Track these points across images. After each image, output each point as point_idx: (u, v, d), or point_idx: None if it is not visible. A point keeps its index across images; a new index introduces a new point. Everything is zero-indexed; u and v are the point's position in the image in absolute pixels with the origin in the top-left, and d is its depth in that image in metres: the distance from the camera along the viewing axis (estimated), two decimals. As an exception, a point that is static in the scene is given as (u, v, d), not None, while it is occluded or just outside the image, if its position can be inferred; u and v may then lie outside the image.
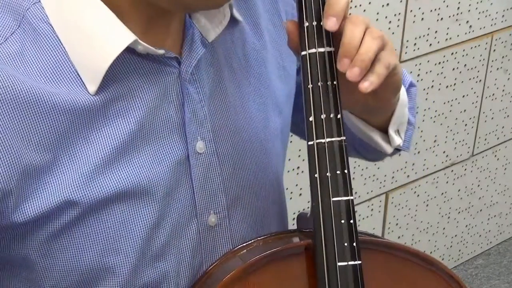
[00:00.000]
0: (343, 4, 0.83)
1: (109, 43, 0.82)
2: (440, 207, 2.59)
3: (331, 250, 0.84)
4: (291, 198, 2.11)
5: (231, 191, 0.96)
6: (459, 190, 2.62)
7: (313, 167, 0.84)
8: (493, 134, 2.63)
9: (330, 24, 0.83)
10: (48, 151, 0.81)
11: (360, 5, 2.06)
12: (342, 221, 0.84)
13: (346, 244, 0.84)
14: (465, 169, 2.60)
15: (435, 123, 2.42)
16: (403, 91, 1.01)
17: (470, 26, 2.36)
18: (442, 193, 2.58)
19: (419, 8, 2.19)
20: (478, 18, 2.36)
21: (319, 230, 0.84)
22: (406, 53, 2.23)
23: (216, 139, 0.93)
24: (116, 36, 0.82)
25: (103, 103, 0.84)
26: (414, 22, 2.20)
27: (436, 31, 2.27)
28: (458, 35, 2.34)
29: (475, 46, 2.40)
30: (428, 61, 2.30)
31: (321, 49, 0.84)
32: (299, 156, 2.06)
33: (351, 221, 0.84)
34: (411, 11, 2.18)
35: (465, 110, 2.49)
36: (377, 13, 2.11)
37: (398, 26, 2.17)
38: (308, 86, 0.84)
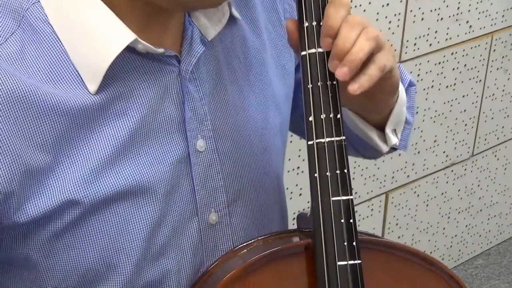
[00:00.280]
0: (339, 23, 0.83)
1: (109, 42, 0.82)
2: (440, 207, 2.59)
3: (331, 249, 0.84)
4: (291, 198, 2.11)
5: (232, 189, 0.96)
6: (459, 190, 2.62)
7: (313, 166, 0.84)
8: (493, 134, 2.63)
9: (326, 46, 0.83)
10: (49, 151, 0.81)
11: (360, 5, 2.06)
12: (342, 221, 0.84)
13: (345, 243, 0.84)
14: (465, 169, 2.61)
15: (435, 123, 2.42)
16: (402, 90, 1.02)
17: (470, 26, 2.36)
18: (442, 193, 2.58)
19: (419, 8, 2.19)
20: (478, 18, 2.36)
21: (319, 229, 0.84)
22: (406, 53, 2.23)
23: (217, 137, 0.93)
24: (116, 35, 0.82)
25: (104, 103, 0.84)
26: (414, 22, 2.20)
27: (436, 31, 2.27)
28: (458, 35, 2.34)
29: (475, 46, 2.40)
30: (428, 61, 2.30)
31: (321, 49, 0.84)
32: (299, 156, 2.06)
33: (351, 221, 0.84)
34: (411, 11, 2.18)
35: (465, 110, 2.49)
36: (377, 13, 2.11)
37: (398, 26, 2.17)
38: (308, 86, 0.84)
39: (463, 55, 2.38)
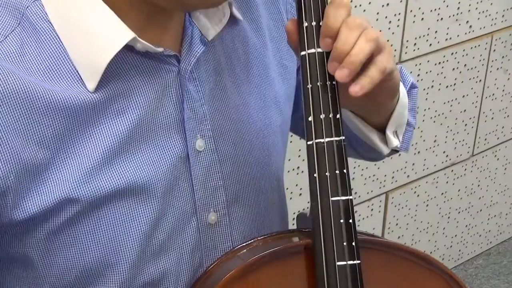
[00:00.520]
0: (339, 24, 0.82)
1: (108, 40, 0.82)
2: (440, 207, 2.59)
3: (330, 249, 0.84)
4: (291, 198, 2.11)
5: (231, 189, 0.96)
6: (459, 190, 2.62)
7: (312, 167, 0.84)
8: (493, 134, 2.63)
9: (326, 47, 0.83)
10: (47, 148, 0.82)
11: (360, 5, 2.06)
12: (341, 221, 0.84)
13: (345, 243, 0.84)
14: (465, 169, 2.61)
15: (435, 123, 2.42)
16: (403, 92, 1.01)
17: (470, 26, 2.36)
18: (442, 193, 2.58)
19: (419, 8, 2.19)
20: (478, 18, 2.36)
21: (318, 229, 0.84)
22: (406, 53, 2.23)
23: (216, 137, 0.93)
24: (115, 34, 0.82)
25: (102, 101, 0.84)
26: (414, 22, 2.20)
27: (436, 31, 2.27)
28: (458, 35, 2.34)
29: (475, 46, 2.40)
30: (428, 61, 2.30)
31: (320, 49, 0.84)
32: (299, 156, 2.06)
33: (350, 221, 0.84)
34: (411, 11, 2.18)
35: (465, 110, 2.49)
36: (377, 13, 2.11)
37: (398, 26, 2.17)
38: (307, 86, 0.84)
39: (463, 55, 2.38)
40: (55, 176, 0.83)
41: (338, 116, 0.85)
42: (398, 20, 2.16)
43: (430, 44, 2.28)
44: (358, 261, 0.84)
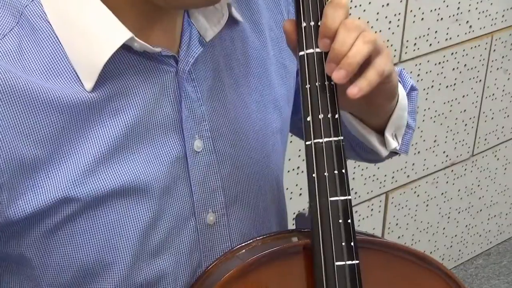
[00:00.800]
0: (337, 24, 0.82)
1: (105, 40, 0.82)
2: (440, 207, 2.59)
3: (329, 249, 0.84)
4: (291, 198, 2.11)
5: (230, 189, 0.96)
6: (459, 190, 2.62)
7: (310, 167, 0.84)
8: (493, 134, 2.63)
9: (324, 47, 0.83)
10: (44, 147, 0.82)
11: (360, 5, 2.06)
12: (340, 221, 0.84)
13: (344, 243, 0.84)
14: (465, 169, 2.61)
15: (435, 123, 2.42)
16: (403, 95, 1.01)
17: (470, 26, 2.36)
18: (442, 193, 2.58)
19: (419, 8, 2.19)
20: (478, 18, 2.36)
21: (316, 229, 0.84)
22: (406, 53, 2.23)
23: (214, 137, 0.93)
24: (113, 34, 0.82)
25: (100, 100, 0.84)
26: (414, 22, 2.20)
27: (436, 31, 2.27)
28: (458, 35, 2.34)
29: (475, 46, 2.40)
30: (428, 61, 2.30)
31: (319, 49, 0.84)
32: (299, 156, 2.06)
33: (349, 221, 0.84)
34: (411, 11, 2.18)
35: (465, 110, 2.49)
36: (377, 13, 2.11)
37: (398, 26, 2.17)
38: (306, 86, 0.84)
39: (463, 55, 2.38)
40: (51, 175, 0.83)
41: (336, 116, 0.84)
42: (398, 20, 2.16)
43: (430, 44, 2.28)
44: (357, 261, 0.84)
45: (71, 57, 0.83)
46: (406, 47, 2.22)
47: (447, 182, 2.57)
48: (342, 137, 0.85)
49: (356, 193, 2.29)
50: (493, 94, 2.55)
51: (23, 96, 0.80)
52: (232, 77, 0.96)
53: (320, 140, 0.84)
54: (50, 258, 0.87)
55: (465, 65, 2.40)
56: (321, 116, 0.84)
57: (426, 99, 2.35)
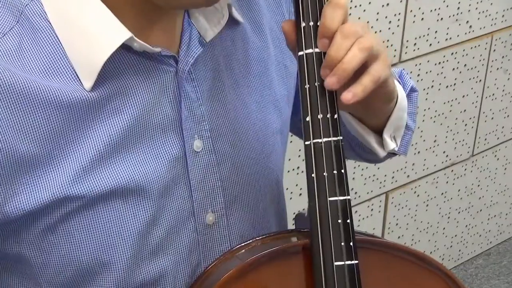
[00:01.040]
0: (336, 24, 0.83)
1: (105, 40, 0.82)
2: (440, 207, 2.59)
3: (328, 249, 0.84)
4: (291, 198, 2.11)
5: (229, 190, 0.96)
6: (459, 190, 2.62)
7: (310, 167, 0.84)
8: (493, 134, 2.63)
9: (323, 47, 0.83)
10: (43, 145, 0.82)
11: (360, 5, 2.06)
12: (339, 221, 0.84)
13: (343, 244, 0.84)
14: (465, 169, 2.61)
15: (435, 123, 2.42)
16: (402, 96, 1.01)
17: (470, 26, 2.36)
18: (442, 193, 2.58)
19: (419, 8, 2.19)
20: (478, 18, 2.36)
21: (316, 229, 0.84)
22: (406, 53, 2.23)
23: (214, 137, 0.93)
24: (112, 33, 0.83)
25: (99, 100, 0.84)
26: (414, 22, 2.20)
27: (436, 31, 2.27)
28: (458, 35, 2.34)
29: (475, 46, 2.41)
30: (428, 61, 2.30)
31: (318, 49, 0.84)
32: (299, 156, 2.06)
33: (348, 221, 0.84)
34: (411, 11, 2.18)
35: (465, 110, 2.49)
36: (377, 13, 2.11)
37: (398, 26, 2.17)
38: (305, 86, 0.84)
39: (463, 55, 2.38)
40: (50, 173, 0.83)
41: (335, 116, 0.84)
42: (398, 20, 2.16)
43: (430, 44, 2.28)
44: (356, 261, 0.84)
45: (71, 56, 0.83)
46: (406, 47, 2.22)
47: (447, 182, 2.57)
48: (341, 137, 0.85)
49: (356, 193, 2.29)
50: (493, 94, 2.55)
51: (22, 95, 0.80)
52: (232, 77, 0.97)
53: (319, 140, 0.84)
54: (49, 256, 0.87)
55: (465, 65, 2.40)
56: (320, 116, 0.84)
57: (426, 99, 2.35)
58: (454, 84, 2.41)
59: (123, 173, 0.86)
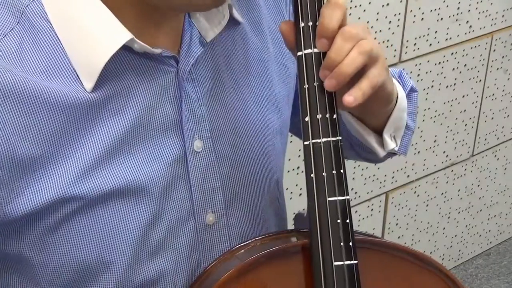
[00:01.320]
0: (334, 24, 0.83)
1: (106, 41, 0.83)
2: (440, 207, 2.59)
3: (327, 249, 0.84)
4: (291, 198, 2.11)
5: (229, 190, 0.96)
6: (459, 190, 2.62)
7: (309, 167, 0.84)
8: (493, 134, 2.63)
9: (322, 47, 0.83)
10: (44, 146, 0.82)
11: (360, 5, 2.06)
12: (338, 221, 0.84)
13: (342, 244, 0.84)
14: (465, 169, 2.61)
15: (435, 123, 2.42)
16: (402, 96, 1.01)
17: (470, 26, 2.36)
18: (442, 193, 2.58)
19: (419, 8, 2.19)
20: (478, 18, 2.36)
21: (315, 229, 0.84)
22: (406, 53, 2.23)
23: (214, 138, 0.94)
24: (113, 34, 0.83)
25: (100, 100, 0.84)
26: (414, 22, 2.20)
27: (436, 31, 2.27)
28: (458, 35, 2.34)
29: (475, 46, 2.41)
30: (428, 61, 2.30)
31: (317, 50, 0.84)
32: (299, 156, 2.06)
33: (347, 221, 0.84)
34: (411, 11, 2.18)
35: (465, 110, 2.49)
36: (377, 13, 2.11)
37: (398, 26, 2.17)
38: (304, 86, 0.85)
39: (463, 55, 2.38)
40: (51, 174, 0.83)
41: (335, 116, 0.85)
42: (398, 20, 2.16)
43: (430, 44, 2.28)
44: (355, 261, 0.85)
45: (72, 57, 0.83)
46: (406, 47, 2.22)
47: (447, 182, 2.57)
48: (340, 137, 0.85)
49: (356, 193, 2.29)
50: (493, 94, 2.55)
51: (23, 96, 0.80)
52: (232, 77, 0.97)
53: (319, 140, 0.84)
54: (49, 256, 0.87)
55: (465, 65, 2.40)
56: (319, 116, 0.84)
57: (426, 99, 2.35)
58: (454, 84, 2.41)
59: (124, 174, 0.86)
